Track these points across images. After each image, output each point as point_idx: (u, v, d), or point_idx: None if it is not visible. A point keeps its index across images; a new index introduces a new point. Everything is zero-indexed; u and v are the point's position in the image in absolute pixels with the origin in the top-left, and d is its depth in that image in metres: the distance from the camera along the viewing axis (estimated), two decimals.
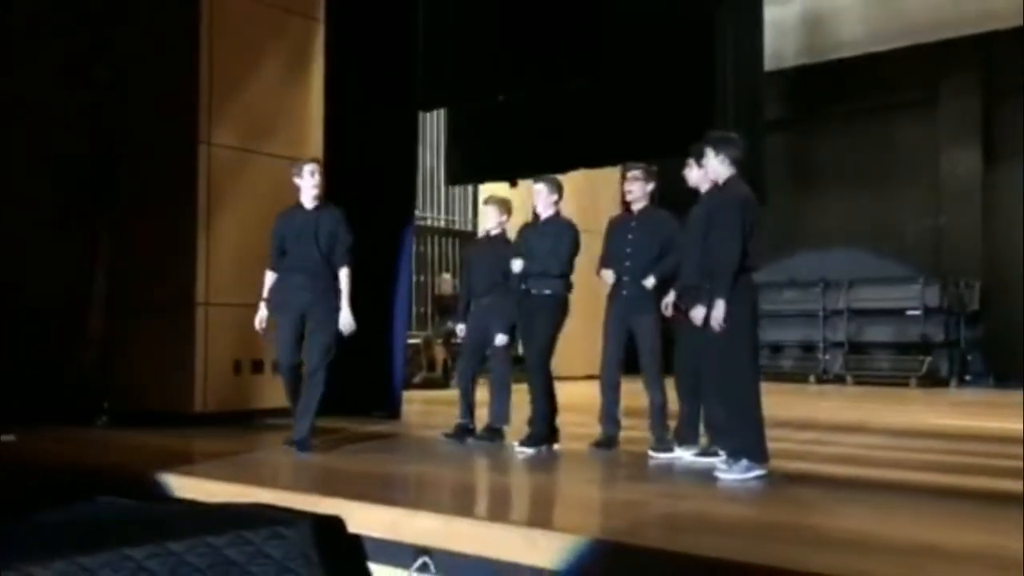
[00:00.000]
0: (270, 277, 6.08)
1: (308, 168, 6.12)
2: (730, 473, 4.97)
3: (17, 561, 2.11)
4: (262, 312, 6.03)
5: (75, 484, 4.89)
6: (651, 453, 5.91)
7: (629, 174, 6.30)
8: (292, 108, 8.45)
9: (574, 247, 6.30)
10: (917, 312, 14.12)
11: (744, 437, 5.00)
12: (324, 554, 2.57)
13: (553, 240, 6.28)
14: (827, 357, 14.85)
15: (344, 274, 5.97)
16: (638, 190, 6.24)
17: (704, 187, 5.66)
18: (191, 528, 2.50)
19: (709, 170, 5.28)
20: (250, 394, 7.92)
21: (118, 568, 2.27)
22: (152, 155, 8.03)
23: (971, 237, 14.60)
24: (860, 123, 15.51)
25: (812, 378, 14.62)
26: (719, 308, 4.95)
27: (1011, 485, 4.88)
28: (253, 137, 8.08)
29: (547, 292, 6.25)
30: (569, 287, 6.34)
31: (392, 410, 8.27)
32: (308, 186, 6.08)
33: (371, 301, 7.90)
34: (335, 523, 2.72)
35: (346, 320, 5.91)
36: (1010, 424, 7.71)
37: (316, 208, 6.08)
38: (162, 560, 2.36)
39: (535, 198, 6.55)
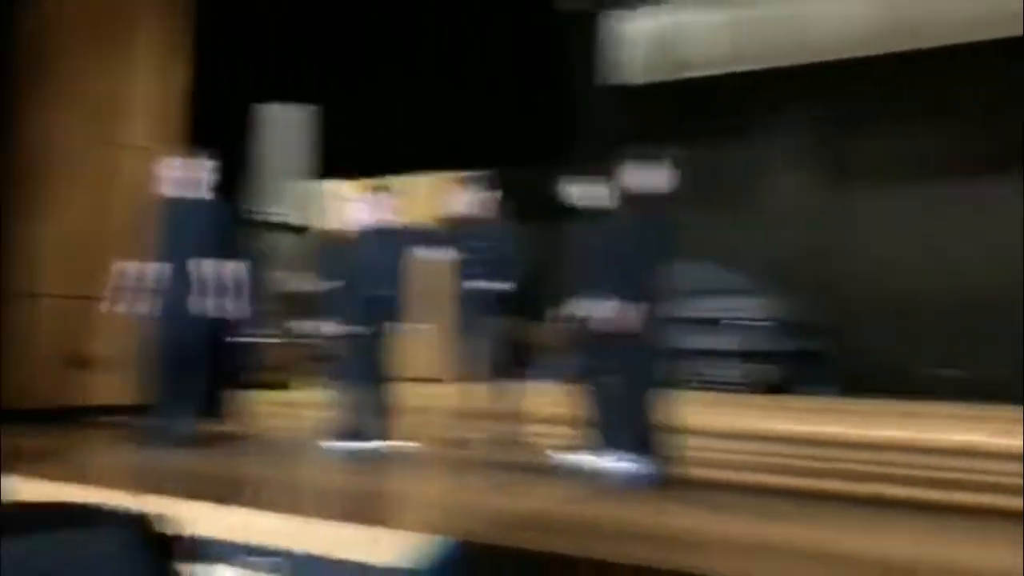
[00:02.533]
0: (154, 268, 6.01)
1: (188, 162, 6.13)
2: (617, 467, 5.20)
3: None
4: (142, 298, 6.01)
5: None
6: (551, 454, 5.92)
7: (463, 188, 6.43)
8: (144, 96, 8.05)
9: None
10: (755, 323, 14.71)
11: (637, 438, 5.21)
12: (134, 552, 2.47)
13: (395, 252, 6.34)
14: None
15: (217, 265, 6.05)
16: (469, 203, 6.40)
17: (602, 208, 5.80)
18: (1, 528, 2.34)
19: (636, 183, 5.34)
20: (75, 390, 7.50)
21: None
22: None
23: (814, 253, 15.25)
24: (705, 143, 16.02)
25: None
26: (630, 314, 5.13)
27: (838, 486, 5.25)
28: (93, 123, 7.68)
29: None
30: None
31: (228, 409, 8.01)
32: (182, 177, 6.06)
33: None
34: (149, 521, 2.62)
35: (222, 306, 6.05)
36: (845, 429, 8.13)
37: (190, 200, 6.06)
38: None
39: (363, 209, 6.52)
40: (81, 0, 7.66)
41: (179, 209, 6.03)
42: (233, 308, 6.05)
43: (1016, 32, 11.52)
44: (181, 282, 5.95)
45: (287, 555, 3.71)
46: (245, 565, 3.75)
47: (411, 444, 6.28)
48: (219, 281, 6.07)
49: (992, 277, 12.93)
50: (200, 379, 6.00)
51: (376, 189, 6.62)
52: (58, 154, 7.52)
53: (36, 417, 7.07)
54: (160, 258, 5.99)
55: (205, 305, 5.97)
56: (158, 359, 5.98)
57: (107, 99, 7.83)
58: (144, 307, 5.98)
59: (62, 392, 7.44)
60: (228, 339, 8.07)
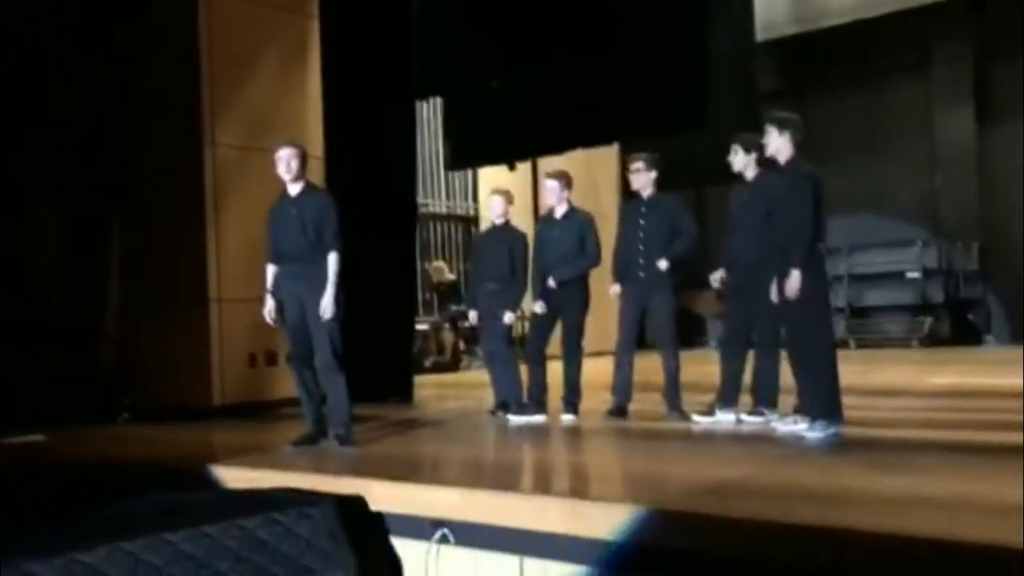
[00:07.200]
0: (271, 270, 5.90)
1: (276, 155, 5.83)
2: (814, 432, 5.27)
3: (66, 549, 2.30)
4: (269, 304, 5.84)
5: (123, 480, 5.10)
6: (695, 417, 6.18)
7: (632, 167, 6.59)
8: (291, 104, 8.62)
9: (598, 239, 6.73)
10: (916, 274, 14.28)
11: (823, 399, 5.30)
12: (349, 531, 2.77)
13: (576, 233, 6.67)
14: None
15: (332, 259, 5.69)
16: (643, 180, 6.57)
17: (749, 172, 6.07)
18: (224, 512, 2.69)
19: (771, 148, 5.49)
20: (266, 385, 8.13)
21: (157, 551, 2.46)
22: (159, 157, 8.23)
23: (967, 197, 14.70)
24: (854, 90, 15.58)
25: None
26: (795, 278, 5.20)
27: (997, 437, 5.13)
28: (255, 135, 8.24)
29: (575, 280, 6.66)
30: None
31: (406, 394, 8.47)
32: (280, 173, 5.81)
33: (381, 288, 8.11)
34: (358, 502, 2.91)
35: (324, 305, 5.63)
36: (1004, 380, 7.85)
37: (300, 194, 5.84)
38: (198, 543, 2.56)
39: (547, 195, 6.88)
40: (232, 14, 8.20)
41: (283, 205, 5.86)
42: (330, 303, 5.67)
43: None
44: (299, 278, 5.74)
45: (456, 525, 4.00)
46: (419, 537, 4.02)
47: (571, 417, 6.58)
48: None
49: None
50: (336, 377, 5.74)
51: (553, 174, 6.89)
52: (228, 167, 8.14)
53: (230, 413, 7.75)
54: (282, 258, 5.85)
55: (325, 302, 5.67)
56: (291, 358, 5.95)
57: (261, 109, 8.38)
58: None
59: (252, 388, 8.08)
60: (399, 327, 8.56)
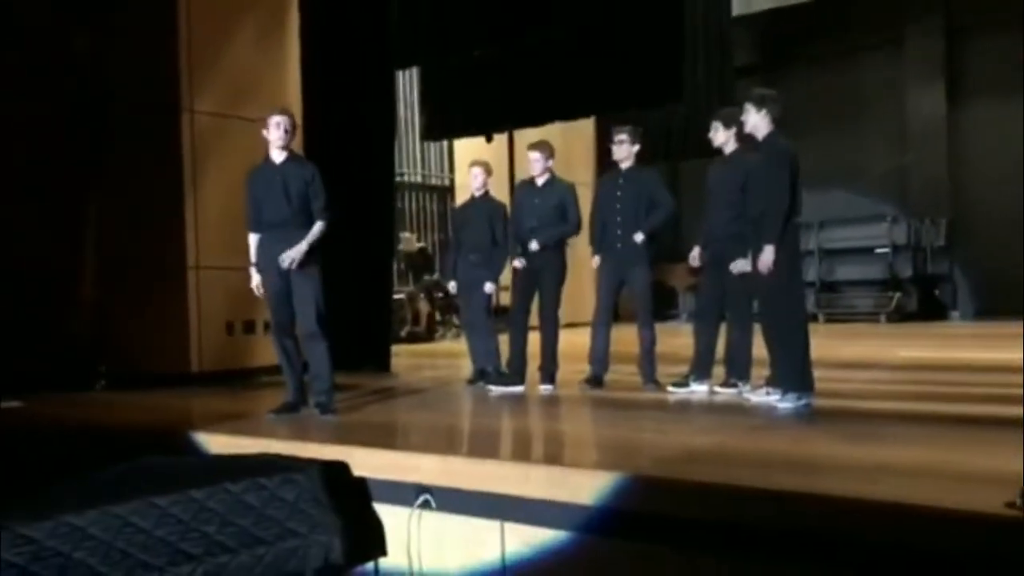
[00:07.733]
0: (253, 239, 5.85)
1: (273, 120, 5.78)
2: (785, 402, 5.39)
3: (56, 512, 2.36)
4: (256, 279, 5.81)
5: (105, 446, 5.13)
6: (670, 388, 6.30)
7: (616, 138, 6.63)
8: (270, 72, 8.58)
9: (579, 207, 6.77)
10: (886, 250, 14.47)
11: (795, 371, 5.41)
12: (333, 496, 2.85)
13: (556, 201, 6.69)
14: None
15: (316, 228, 5.71)
16: (625, 152, 6.62)
17: (729, 148, 6.11)
18: (211, 477, 2.75)
19: (749, 125, 5.54)
20: (244, 353, 8.14)
21: (145, 515, 2.54)
22: (136, 123, 8.16)
23: (937, 174, 14.89)
24: (827, 66, 15.69)
25: None
26: (769, 253, 5.28)
27: (966, 409, 5.33)
28: (233, 102, 8.21)
29: (553, 247, 6.68)
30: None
31: (382, 364, 8.52)
32: (274, 138, 5.76)
33: (359, 258, 8.13)
34: (341, 468, 2.99)
35: (287, 254, 5.61)
36: (995, 354, 8.01)
37: (285, 162, 5.79)
38: (185, 507, 2.63)
39: (532, 166, 6.84)
40: None
41: (266, 172, 5.80)
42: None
43: None
44: (282, 244, 5.66)
45: (437, 491, 4.08)
46: (402, 503, 4.10)
47: (548, 387, 6.66)
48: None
49: None
50: (319, 344, 5.70)
51: (535, 145, 6.89)
52: (206, 133, 8.10)
53: (208, 380, 7.76)
54: (263, 226, 5.78)
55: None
56: (272, 328, 5.94)
57: (240, 77, 8.33)
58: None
59: (230, 356, 8.09)
60: (376, 296, 8.59)
